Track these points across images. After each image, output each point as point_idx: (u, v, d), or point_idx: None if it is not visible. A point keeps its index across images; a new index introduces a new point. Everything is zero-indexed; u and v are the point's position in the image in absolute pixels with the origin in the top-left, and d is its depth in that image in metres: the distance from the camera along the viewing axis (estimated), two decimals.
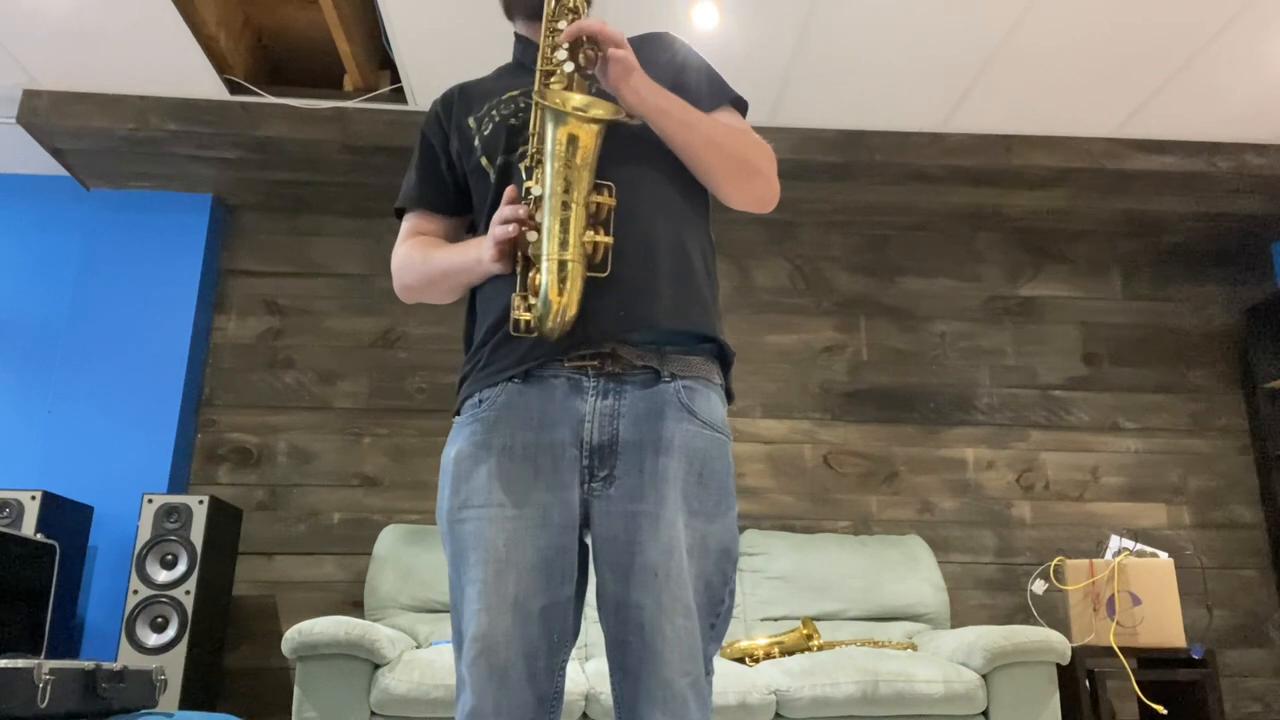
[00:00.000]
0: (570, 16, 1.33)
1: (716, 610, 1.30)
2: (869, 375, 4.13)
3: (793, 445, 4.02)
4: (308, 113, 3.61)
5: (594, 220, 1.26)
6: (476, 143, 1.44)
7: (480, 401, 1.34)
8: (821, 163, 3.76)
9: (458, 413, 1.39)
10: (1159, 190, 3.95)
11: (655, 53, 1.47)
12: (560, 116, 1.22)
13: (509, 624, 1.23)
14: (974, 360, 4.18)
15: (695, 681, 1.24)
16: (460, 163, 1.48)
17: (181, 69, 3.41)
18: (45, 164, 3.91)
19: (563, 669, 1.29)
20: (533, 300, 1.25)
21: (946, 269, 4.29)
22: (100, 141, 3.65)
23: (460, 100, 1.51)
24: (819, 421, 4.05)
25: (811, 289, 4.22)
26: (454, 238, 1.54)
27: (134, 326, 3.84)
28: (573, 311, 1.23)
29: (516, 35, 1.55)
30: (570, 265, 1.22)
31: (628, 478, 1.27)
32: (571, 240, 1.23)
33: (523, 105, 1.40)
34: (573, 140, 1.23)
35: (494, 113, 1.43)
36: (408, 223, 1.54)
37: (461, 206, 1.52)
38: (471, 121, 1.46)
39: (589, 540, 1.32)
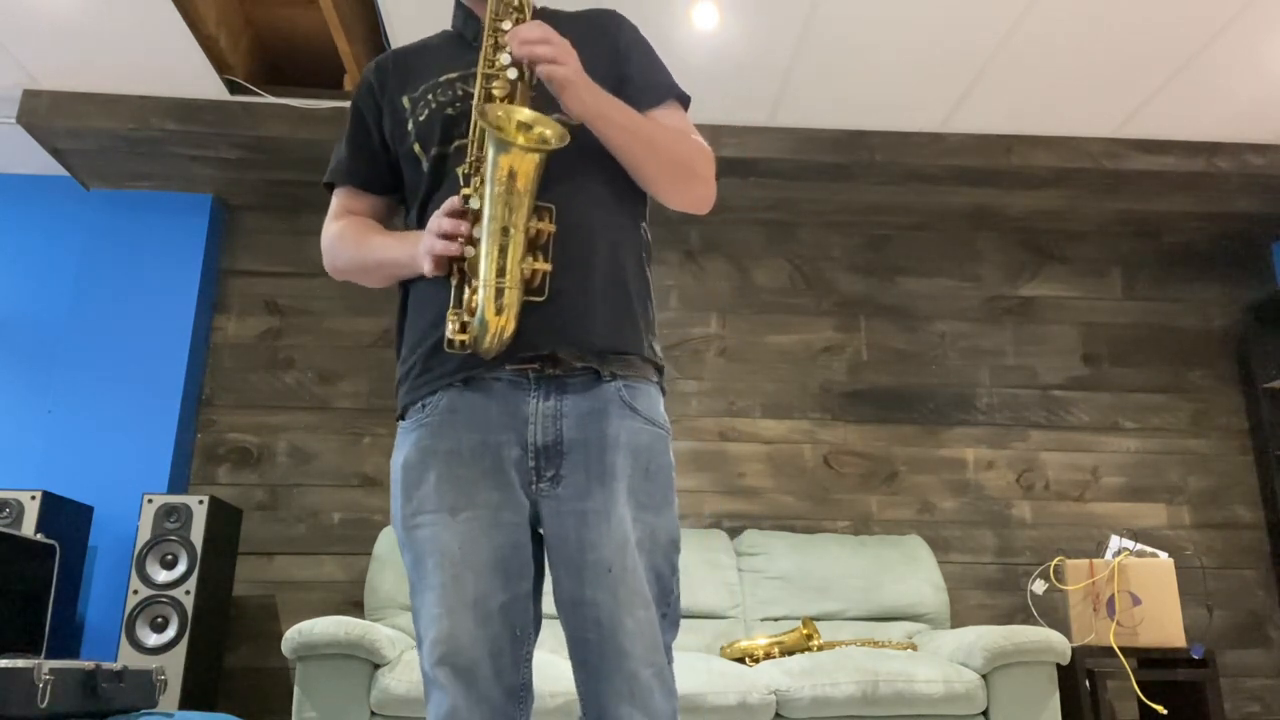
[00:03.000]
0: (515, 16, 1.32)
1: (668, 600, 1.33)
2: (869, 375, 4.13)
3: (793, 445, 4.02)
4: (308, 113, 3.60)
5: (533, 245, 1.26)
6: (410, 127, 1.42)
7: (424, 407, 1.34)
8: (821, 163, 3.76)
9: (401, 417, 1.39)
10: (1159, 190, 3.96)
11: (603, 38, 1.45)
12: (502, 144, 1.20)
13: (471, 625, 1.25)
14: (974, 360, 4.18)
15: (659, 671, 1.26)
16: (393, 143, 1.45)
17: (181, 69, 3.41)
18: (45, 164, 3.91)
19: (528, 661, 1.31)
20: (467, 319, 1.24)
21: (946, 269, 4.29)
22: (100, 141, 3.65)
23: (395, 73, 1.48)
24: (819, 421, 4.05)
25: (811, 289, 4.22)
26: (383, 215, 1.53)
27: (134, 326, 3.84)
28: (509, 333, 1.23)
29: (457, 3, 1.52)
30: (508, 292, 1.22)
31: (574, 476, 1.28)
32: (510, 267, 1.22)
33: (460, 94, 1.38)
34: (514, 166, 1.21)
35: (430, 97, 1.41)
36: (337, 199, 1.52)
37: (392, 184, 1.49)
38: (406, 101, 1.44)
39: (544, 533, 1.33)
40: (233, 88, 3.53)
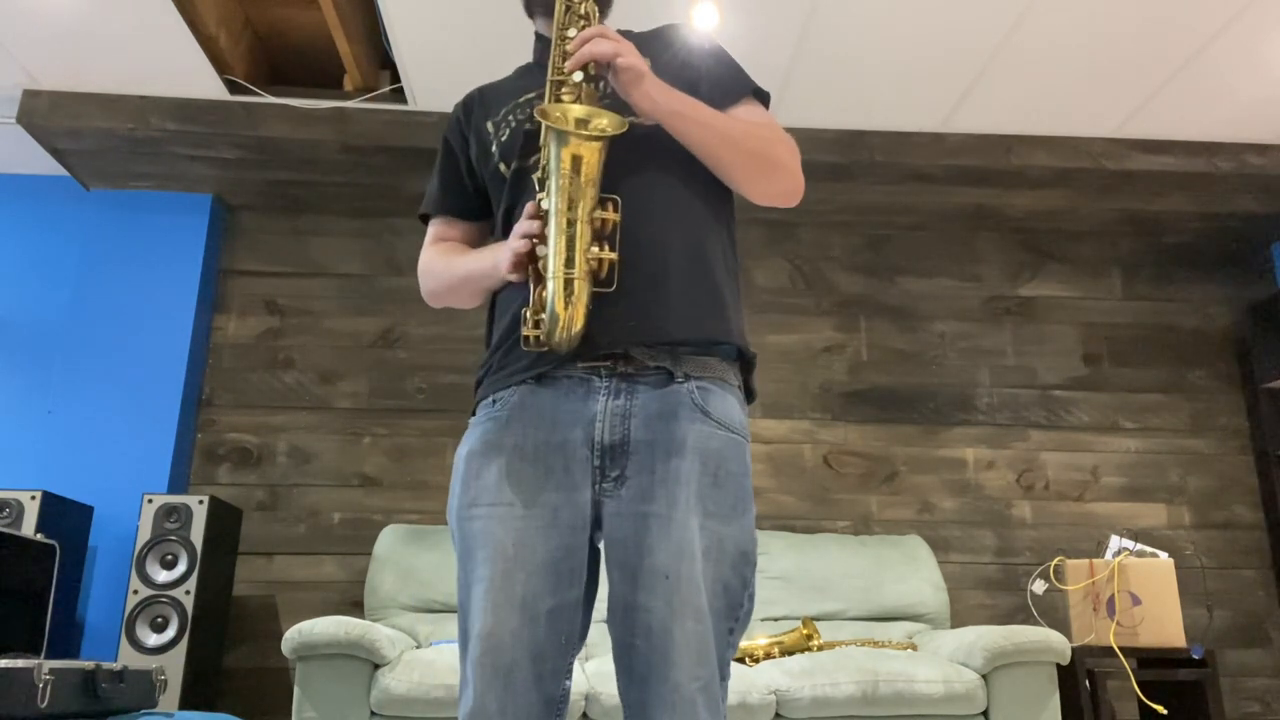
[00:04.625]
0: (580, 23, 1.33)
1: (735, 614, 1.28)
2: (869, 375, 4.13)
3: (793, 445, 4.02)
4: (308, 113, 3.60)
5: (599, 236, 1.26)
6: (494, 148, 1.44)
7: (495, 402, 1.34)
8: (821, 163, 3.76)
9: (473, 414, 1.39)
10: (1159, 190, 3.95)
11: (668, 50, 1.46)
12: (562, 136, 1.22)
13: (516, 624, 1.22)
14: (974, 360, 4.18)
15: (705, 685, 1.21)
16: (479, 168, 1.48)
17: (181, 69, 3.41)
18: (45, 164, 3.91)
19: (569, 672, 1.27)
20: (541, 316, 1.25)
21: (946, 269, 4.29)
22: (100, 141, 3.65)
23: (480, 104, 1.51)
24: (819, 421, 4.05)
25: (811, 289, 4.22)
26: (477, 243, 1.55)
27: (134, 326, 3.84)
28: (579, 325, 1.23)
29: (536, 34, 1.54)
30: (576, 283, 1.22)
31: (639, 478, 1.26)
32: (577, 258, 1.22)
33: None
34: (575, 158, 1.22)
35: (510, 117, 1.44)
36: (432, 228, 1.56)
37: (483, 212, 1.52)
38: (490, 126, 1.46)
39: (601, 544, 1.31)
40: (233, 88, 3.53)
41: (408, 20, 3.17)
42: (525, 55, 1.58)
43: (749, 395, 1.41)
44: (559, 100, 1.30)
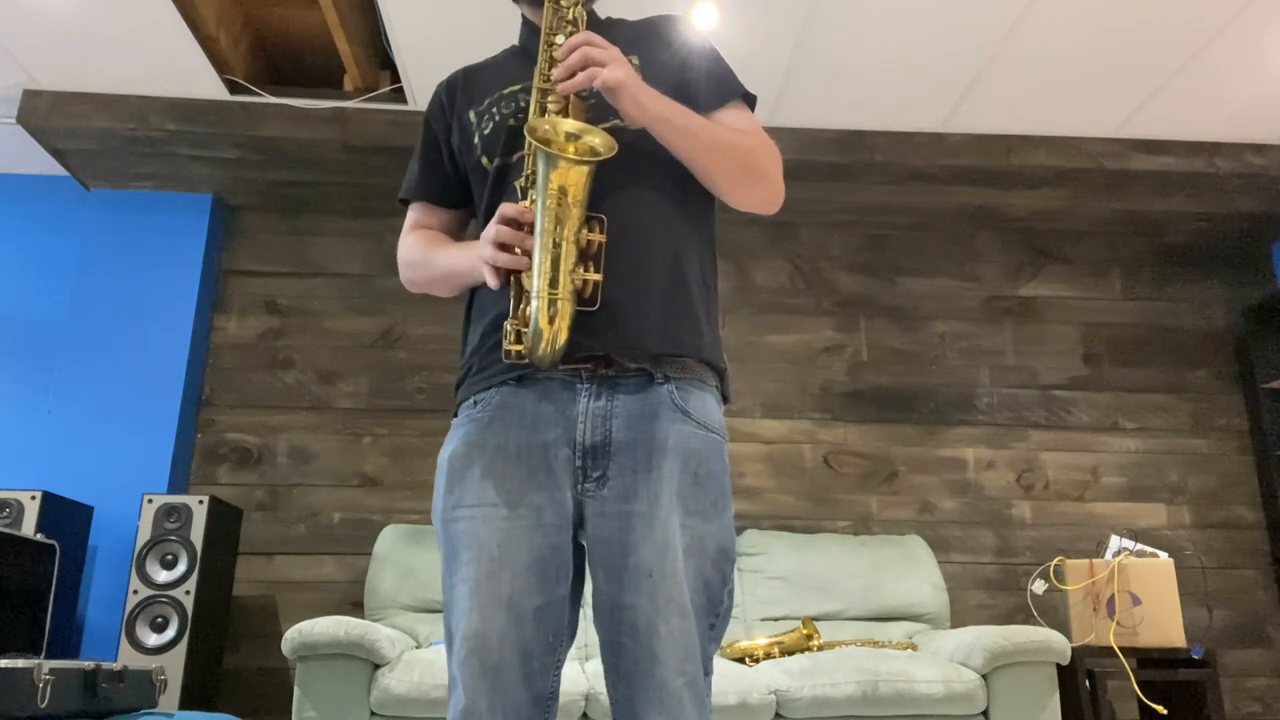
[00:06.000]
0: (569, 29, 1.33)
1: (716, 610, 1.30)
2: (869, 375, 4.13)
3: (793, 445, 4.02)
4: (308, 113, 3.60)
5: (584, 256, 1.26)
6: (476, 140, 1.43)
7: (475, 403, 1.35)
8: (821, 163, 3.76)
9: (455, 415, 1.40)
10: (1159, 190, 3.96)
11: (664, 42, 1.45)
12: (550, 159, 1.21)
13: (502, 623, 1.23)
14: (974, 360, 4.18)
15: (691, 681, 1.23)
16: (461, 158, 1.48)
17: (181, 69, 3.41)
18: (45, 164, 3.91)
19: (558, 669, 1.28)
20: (523, 330, 1.25)
21: (946, 269, 4.29)
22: (100, 141, 3.65)
23: (464, 89, 1.50)
24: (819, 421, 4.05)
25: (811, 289, 4.22)
26: (455, 229, 1.55)
27: (134, 326, 3.84)
28: (561, 342, 1.24)
29: (524, 19, 1.53)
30: (560, 303, 1.23)
31: (621, 478, 1.27)
32: (561, 279, 1.23)
33: (523, 104, 1.39)
34: (563, 179, 1.22)
35: (494, 110, 1.43)
36: (411, 214, 1.55)
37: (463, 199, 1.51)
38: (473, 116, 1.45)
39: (585, 541, 1.31)
40: (233, 88, 3.53)
41: (408, 20, 3.17)
42: None
43: (724, 399, 1.43)
44: (544, 109, 1.29)
